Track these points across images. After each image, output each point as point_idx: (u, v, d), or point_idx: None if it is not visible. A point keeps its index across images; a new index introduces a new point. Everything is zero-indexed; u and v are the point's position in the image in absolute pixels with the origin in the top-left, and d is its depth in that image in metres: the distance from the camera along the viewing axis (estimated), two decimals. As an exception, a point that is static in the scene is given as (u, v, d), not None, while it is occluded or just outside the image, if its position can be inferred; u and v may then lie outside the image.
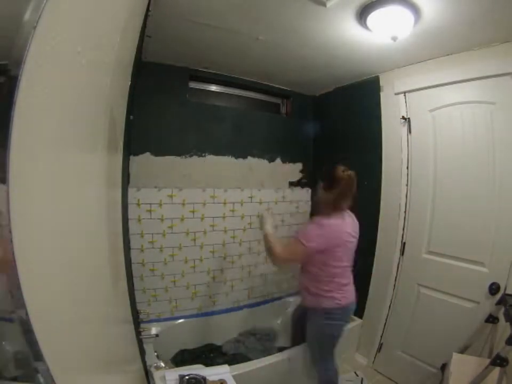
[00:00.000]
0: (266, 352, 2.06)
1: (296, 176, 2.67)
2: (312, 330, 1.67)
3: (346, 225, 1.56)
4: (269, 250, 1.62)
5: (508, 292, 1.49)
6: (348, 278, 1.62)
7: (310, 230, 1.53)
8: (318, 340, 1.67)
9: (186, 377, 1.15)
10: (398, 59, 1.89)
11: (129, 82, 1.17)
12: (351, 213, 1.64)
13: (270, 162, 2.49)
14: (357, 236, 1.62)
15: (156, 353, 1.69)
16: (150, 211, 2.03)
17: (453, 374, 1.40)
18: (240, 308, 2.43)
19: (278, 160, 2.54)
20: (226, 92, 2.41)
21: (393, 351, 2.04)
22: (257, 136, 2.43)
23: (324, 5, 1.30)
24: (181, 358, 1.98)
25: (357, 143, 2.35)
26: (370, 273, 2.19)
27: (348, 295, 1.59)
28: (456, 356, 1.52)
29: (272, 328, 2.38)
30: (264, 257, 2.54)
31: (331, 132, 2.60)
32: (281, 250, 1.55)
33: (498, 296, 1.52)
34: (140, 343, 1.48)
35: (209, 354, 2.07)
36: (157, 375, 1.23)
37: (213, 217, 2.24)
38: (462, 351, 1.59)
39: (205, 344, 2.16)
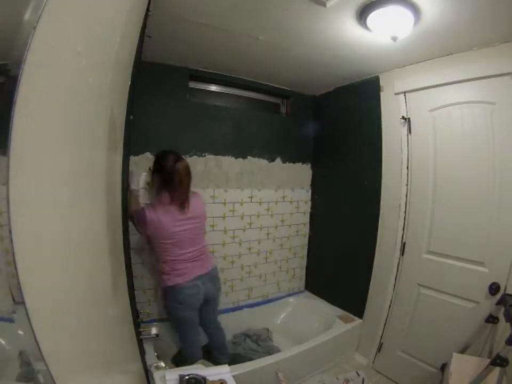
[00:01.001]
0: (266, 352, 2.06)
1: (296, 176, 2.67)
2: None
3: (170, 216, 1.61)
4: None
5: (508, 292, 1.49)
6: (184, 263, 1.68)
7: (143, 214, 1.59)
8: (169, 317, 1.83)
9: (186, 377, 1.15)
10: (398, 59, 1.89)
11: (129, 82, 1.17)
12: (193, 195, 1.71)
13: (270, 162, 2.49)
14: (194, 224, 1.69)
15: (155, 353, 1.69)
16: (150, 211, 2.03)
17: (453, 374, 1.40)
18: (240, 308, 2.43)
19: (278, 160, 2.54)
20: (226, 92, 2.41)
21: (393, 351, 2.04)
22: (257, 136, 2.43)
23: (324, 5, 1.30)
24: (181, 358, 1.97)
25: (357, 143, 2.35)
26: (370, 273, 2.19)
27: (177, 276, 1.66)
28: (456, 356, 1.52)
29: (269, 329, 2.38)
30: (264, 257, 2.55)
31: (331, 132, 2.60)
32: (131, 211, 1.65)
33: (498, 296, 1.52)
34: (140, 343, 1.48)
35: (211, 354, 2.06)
36: (157, 375, 1.23)
37: (213, 217, 2.24)
38: (462, 351, 1.59)
39: (205, 344, 2.15)
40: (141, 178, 1.92)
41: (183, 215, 1.65)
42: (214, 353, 1.95)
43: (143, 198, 1.95)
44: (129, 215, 1.68)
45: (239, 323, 2.33)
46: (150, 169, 1.76)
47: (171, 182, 1.60)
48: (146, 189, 1.97)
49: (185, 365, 1.57)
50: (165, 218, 1.60)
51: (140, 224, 1.63)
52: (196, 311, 1.76)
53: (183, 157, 1.75)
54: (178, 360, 1.90)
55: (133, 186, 1.83)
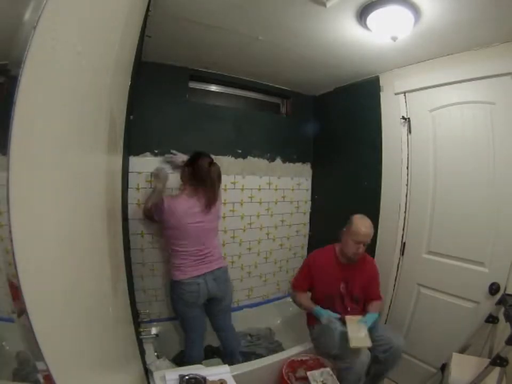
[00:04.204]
0: (266, 352, 2.06)
1: (296, 176, 2.67)
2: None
3: (187, 207, 1.69)
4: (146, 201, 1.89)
5: (508, 291, 1.48)
6: (189, 258, 1.72)
7: (161, 201, 1.70)
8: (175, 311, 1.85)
9: (186, 377, 1.15)
10: (398, 59, 1.89)
11: (129, 82, 1.17)
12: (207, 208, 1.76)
13: (270, 162, 2.49)
14: (207, 221, 1.76)
15: (156, 353, 1.69)
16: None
17: (453, 374, 1.40)
18: (240, 308, 2.43)
19: (278, 160, 2.54)
20: (226, 92, 2.41)
21: (393, 351, 2.03)
22: (257, 136, 2.43)
23: (324, 5, 1.30)
24: (182, 358, 1.97)
25: (356, 143, 2.35)
26: (370, 273, 2.19)
27: (180, 271, 1.71)
28: (456, 356, 1.52)
29: (270, 328, 2.38)
30: (264, 257, 2.55)
31: (331, 132, 2.60)
32: (147, 205, 1.84)
33: (498, 296, 1.52)
34: (140, 343, 1.48)
35: (211, 355, 2.06)
36: (157, 375, 1.23)
37: (213, 217, 2.24)
38: (462, 351, 1.59)
39: (205, 345, 2.15)
40: (168, 176, 1.98)
41: (199, 209, 1.72)
42: (223, 359, 1.93)
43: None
44: (145, 209, 1.87)
45: (239, 323, 2.33)
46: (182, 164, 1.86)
47: (202, 182, 1.71)
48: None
49: (185, 364, 1.58)
50: (181, 207, 1.69)
51: (157, 211, 1.73)
52: (198, 310, 1.76)
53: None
54: (179, 360, 1.90)
55: (159, 184, 1.91)
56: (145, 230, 2.03)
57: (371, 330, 1.62)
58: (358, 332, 1.55)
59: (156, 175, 1.96)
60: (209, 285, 1.74)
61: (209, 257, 1.77)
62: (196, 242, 1.72)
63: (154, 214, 1.77)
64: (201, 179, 1.71)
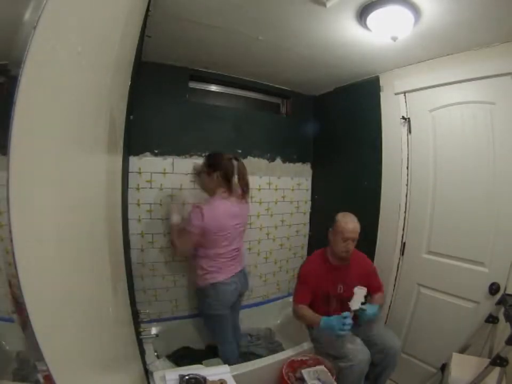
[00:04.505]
0: (266, 352, 2.06)
1: (296, 176, 2.67)
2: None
3: (227, 209, 1.69)
4: (172, 242, 1.85)
5: (508, 291, 1.48)
6: (226, 259, 1.74)
7: (190, 216, 1.65)
8: (204, 318, 1.89)
9: (186, 377, 1.15)
10: (398, 59, 1.88)
11: (129, 82, 1.17)
12: (243, 198, 1.79)
13: (270, 162, 2.49)
14: (242, 221, 1.80)
15: (156, 353, 1.69)
16: (150, 211, 2.03)
17: (453, 374, 1.40)
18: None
19: (278, 160, 2.54)
20: (226, 92, 2.41)
21: (393, 351, 2.03)
22: (257, 136, 2.43)
23: (324, 5, 1.30)
24: (182, 354, 1.98)
25: (356, 143, 2.35)
26: (370, 273, 2.19)
27: (218, 273, 1.71)
28: (456, 356, 1.52)
29: (270, 329, 2.38)
30: (264, 258, 2.55)
31: (331, 132, 2.60)
32: (177, 242, 1.77)
33: (498, 296, 1.52)
34: (140, 343, 1.48)
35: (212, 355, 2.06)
36: (157, 375, 1.23)
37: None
38: (462, 351, 1.59)
39: (206, 345, 2.16)
40: (180, 212, 1.90)
41: (237, 207, 1.74)
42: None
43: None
44: (180, 248, 1.82)
45: (239, 323, 2.33)
46: (197, 173, 1.88)
47: (231, 177, 1.70)
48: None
49: (191, 362, 1.59)
50: (221, 211, 1.67)
51: (196, 220, 1.61)
52: (230, 309, 1.80)
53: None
54: (178, 356, 1.91)
55: (174, 220, 1.85)
56: (145, 230, 2.03)
57: (369, 324, 1.64)
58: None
59: (173, 210, 1.90)
60: (241, 283, 1.82)
61: (240, 256, 1.85)
62: (233, 242, 1.76)
63: (191, 227, 1.63)
64: (230, 176, 1.70)
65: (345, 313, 1.53)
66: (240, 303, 1.97)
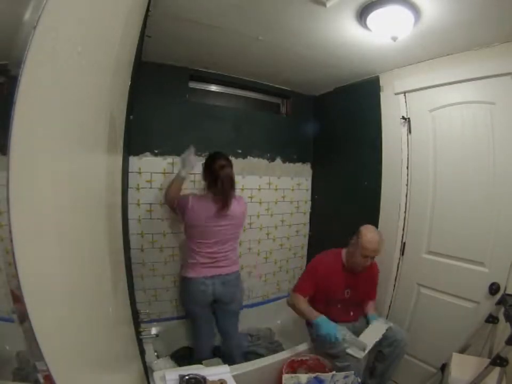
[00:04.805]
0: (266, 352, 2.06)
1: (296, 176, 2.67)
2: None
3: (207, 211, 1.72)
4: (166, 190, 1.92)
5: (508, 291, 1.49)
6: (203, 258, 1.76)
7: (186, 200, 1.74)
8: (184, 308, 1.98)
9: (186, 377, 1.15)
10: (398, 59, 1.89)
11: (129, 82, 1.17)
12: (236, 199, 1.82)
13: (270, 162, 2.49)
14: (226, 226, 1.77)
15: (155, 353, 1.69)
16: (150, 211, 2.03)
17: (453, 374, 1.40)
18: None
19: (278, 160, 2.54)
20: (226, 92, 2.41)
21: (393, 351, 2.03)
22: (257, 136, 2.43)
23: (324, 5, 1.30)
24: (183, 354, 1.98)
25: (356, 143, 2.35)
26: (370, 273, 2.19)
27: (191, 270, 1.77)
28: (456, 356, 1.52)
29: (270, 329, 2.37)
30: (264, 257, 2.55)
31: (331, 132, 2.60)
32: (167, 190, 1.90)
33: (498, 296, 1.52)
34: (140, 343, 1.48)
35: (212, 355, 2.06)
36: (157, 375, 1.23)
37: (213, 217, 2.24)
38: (462, 351, 1.59)
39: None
40: (195, 165, 1.93)
41: (218, 214, 1.73)
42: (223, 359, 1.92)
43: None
44: (168, 198, 1.89)
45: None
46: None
47: (215, 184, 1.71)
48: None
49: (190, 362, 1.59)
50: (202, 209, 1.72)
51: (180, 208, 1.77)
52: (205, 309, 1.80)
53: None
54: (178, 356, 1.91)
55: (183, 172, 1.88)
56: (145, 230, 2.03)
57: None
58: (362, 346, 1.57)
59: (182, 161, 1.91)
60: (216, 288, 1.77)
61: (223, 261, 1.80)
62: (212, 244, 1.76)
63: (177, 209, 1.81)
64: (214, 183, 1.71)
65: (348, 335, 1.58)
66: (223, 310, 1.86)
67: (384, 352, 1.66)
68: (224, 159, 1.76)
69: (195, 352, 1.88)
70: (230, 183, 1.73)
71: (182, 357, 1.93)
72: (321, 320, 1.61)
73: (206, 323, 1.85)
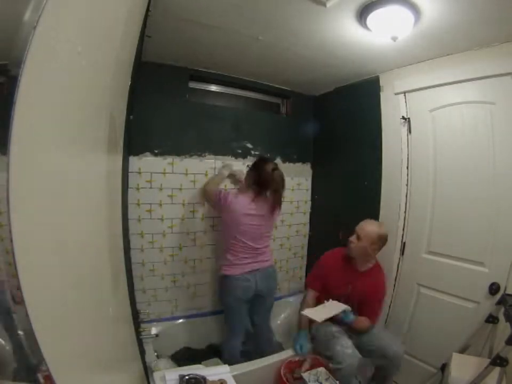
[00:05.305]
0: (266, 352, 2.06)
1: (296, 176, 2.67)
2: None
3: (247, 205, 1.82)
4: (205, 185, 2.09)
5: (508, 291, 1.48)
6: (242, 255, 1.85)
7: (226, 195, 1.87)
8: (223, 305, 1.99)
9: (186, 377, 1.15)
10: (398, 59, 1.88)
11: (129, 82, 1.17)
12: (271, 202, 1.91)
13: (270, 162, 2.49)
14: (262, 224, 1.88)
15: (155, 353, 1.69)
16: (150, 211, 2.03)
17: (453, 374, 1.40)
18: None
19: (278, 160, 2.53)
20: (226, 92, 2.41)
21: (393, 351, 2.03)
22: (257, 136, 2.43)
23: (324, 5, 1.30)
24: (183, 354, 1.98)
25: (356, 143, 2.35)
26: (370, 273, 2.18)
27: (233, 268, 1.84)
28: (456, 356, 1.52)
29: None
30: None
31: (331, 132, 2.60)
32: (206, 185, 2.07)
33: (498, 296, 1.52)
34: (140, 343, 1.48)
35: (212, 355, 2.06)
36: (157, 375, 1.23)
37: (213, 217, 2.23)
38: (462, 351, 1.59)
39: (207, 345, 2.15)
40: (231, 168, 2.19)
41: (259, 212, 1.85)
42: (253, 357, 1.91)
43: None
44: (208, 192, 2.03)
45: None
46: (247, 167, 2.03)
47: (266, 187, 1.85)
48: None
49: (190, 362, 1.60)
50: (241, 206, 1.82)
51: (218, 203, 1.89)
52: (244, 305, 1.88)
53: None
54: (178, 356, 1.91)
55: (224, 171, 2.13)
56: (145, 230, 2.03)
57: (367, 335, 1.72)
58: (321, 313, 1.63)
59: (224, 164, 2.17)
60: (258, 282, 1.86)
61: (261, 256, 1.91)
62: (250, 241, 1.85)
63: (215, 204, 1.95)
64: (265, 184, 1.84)
65: (301, 341, 1.76)
66: (263, 307, 1.98)
67: (378, 364, 1.74)
68: (273, 163, 1.91)
69: (223, 347, 1.92)
70: (282, 184, 1.89)
71: (182, 356, 1.94)
72: (302, 333, 1.81)
73: (244, 319, 1.91)
